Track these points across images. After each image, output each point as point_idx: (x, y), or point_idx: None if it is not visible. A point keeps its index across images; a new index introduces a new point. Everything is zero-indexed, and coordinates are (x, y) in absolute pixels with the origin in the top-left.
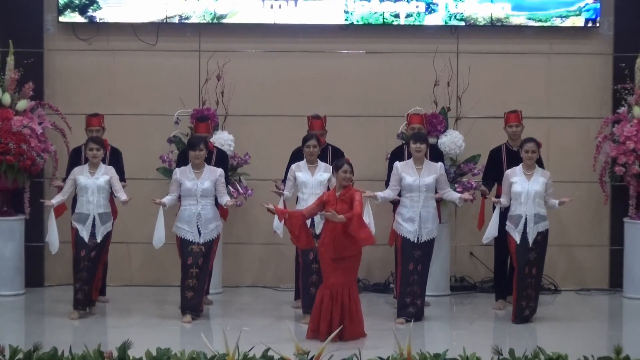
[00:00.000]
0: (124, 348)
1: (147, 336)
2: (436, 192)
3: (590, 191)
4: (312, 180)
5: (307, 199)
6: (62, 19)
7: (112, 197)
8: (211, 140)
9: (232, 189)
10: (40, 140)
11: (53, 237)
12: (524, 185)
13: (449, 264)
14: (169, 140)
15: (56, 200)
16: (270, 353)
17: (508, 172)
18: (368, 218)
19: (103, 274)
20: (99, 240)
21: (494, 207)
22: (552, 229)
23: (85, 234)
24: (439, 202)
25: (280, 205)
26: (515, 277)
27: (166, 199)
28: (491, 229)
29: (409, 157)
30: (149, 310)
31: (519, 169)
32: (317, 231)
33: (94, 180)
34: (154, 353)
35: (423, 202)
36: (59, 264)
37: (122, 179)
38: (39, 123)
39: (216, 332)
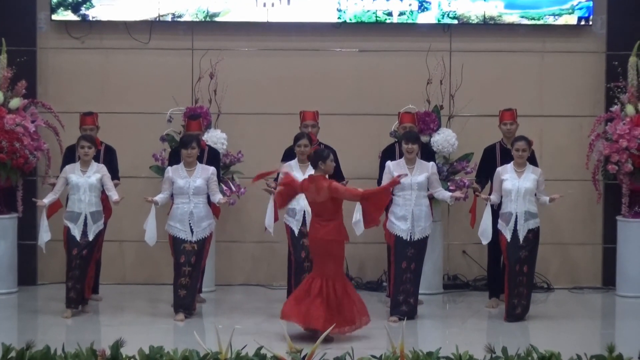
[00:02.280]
0: (116, 346)
1: (140, 334)
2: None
3: (583, 189)
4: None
5: (299, 198)
6: (55, 17)
7: (105, 195)
8: (203, 138)
9: (225, 187)
10: (33, 139)
11: (44, 234)
12: (514, 182)
13: (442, 262)
14: (161, 139)
15: (48, 199)
16: (263, 351)
17: (499, 169)
18: (359, 215)
19: (96, 272)
20: (90, 239)
21: (486, 204)
22: (545, 227)
23: (77, 233)
24: (430, 200)
25: (271, 204)
26: (507, 275)
27: (158, 197)
28: (487, 229)
29: (400, 156)
30: (141, 308)
31: (510, 166)
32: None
33: (85, 179)
34: (147, 351)
35: (415, 200)
36: (52, 262)
37: (116, 177)
38: (32, 121)
39: (209, 331)
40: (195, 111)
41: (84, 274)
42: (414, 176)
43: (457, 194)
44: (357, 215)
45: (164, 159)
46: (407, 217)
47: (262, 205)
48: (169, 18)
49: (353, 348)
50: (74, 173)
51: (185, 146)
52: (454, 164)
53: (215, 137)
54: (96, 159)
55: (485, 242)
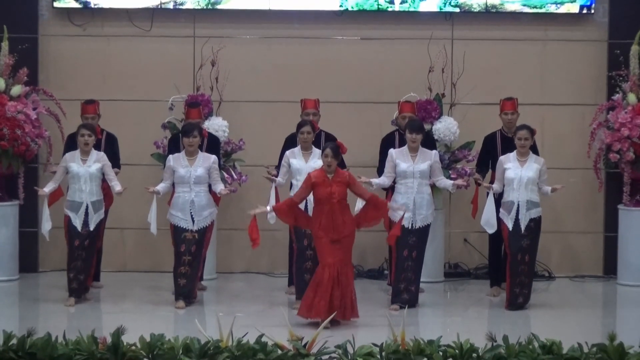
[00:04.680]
0: (117, 334)
1: (141, 322)
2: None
3: (584, 178)
4: (306, 167)
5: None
6: (56, 4)
7: (106, 182)
8: (204, 125)
9: (226, 175)
10: (35, 126)
11: (45, 223)
12: (517, 171)
13: (443, 250)
14: (163, 126)
15: (48, 188)
16: (264, 339)
17: (502, 158)
18: (361, 204)
19: (97, 260)
20: (92, 229)
21: (488, 194)
22: (547, 216)
23: (77, 223)
24: (432, 188)
25: (272, 192)
26: (508, 264)
27: (160, 187)
28: (490, 218)
29: (400, 144)
30: (143, 296)
31: (512, 155)
32: None
33: (86, 169)
34: (148, 339)
35: (417, 188)
36: (54, 250)
37: (117, 165)
38: (34, 108)
39: (210, 318)
40: (196, 99)
41: (87, 264)
42: (416, 164)
43: (459, 181)
44: (360, 204)
45: (165, 147)
46: (408, 205)
47: (264, 193)
48: (170, 5)
49: (354, 336)
50: (74, 162)
51: (187, 134)
52: (456, 152)
53: (216, 125)
54: (97, 147)
55: (490, 231)
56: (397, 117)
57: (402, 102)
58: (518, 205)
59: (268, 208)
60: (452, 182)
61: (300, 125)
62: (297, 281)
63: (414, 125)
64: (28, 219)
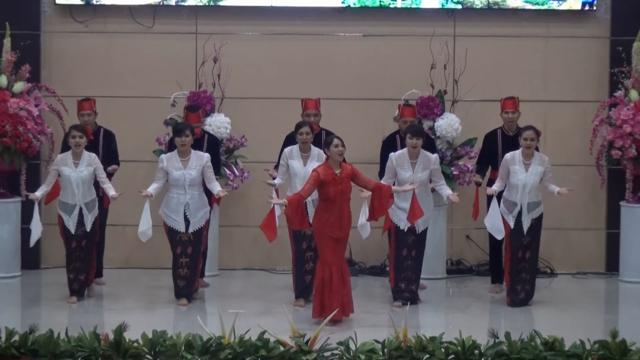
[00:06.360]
0: (120, 330)
1: (143, 319)
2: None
3: (586, 175)
4: (304, 171)
5: (299, 189)
6: (58, 1)
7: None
8: (207, 122)
9: (228, 172)
10: (37, 123)
11: (35, 227)
12: (521, 177)
13: (445, 247)
14: (165, 123)
15: (40, 192)
16: (266, 336)
17: (508, 157)
18: (364, 218)
19: (99, 256)
20: (88, 229)
21: (491, 198)
22: (549, 213)
23: (71, 225)
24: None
25: (273, 195)
26: (508, 260)
27: (152, 189)
28: (498, 225)
29: (401, 146)
30: (145, 292)
31: (518, 156)
32: (311, 220)
33: (77, 173)
34: (150, 335)
35: (417, 195)
36: (56, 247)
37: (116, 161)
38: (36, 105)
39: (212, 315)
40: (198, 96)
41: (86, 264)
42: (416, 173)
43: (454, 198)
44: (363, 218)
45: (167, 144)
46: (407, 210)
47: (265, 189)
48: (172, 2)
49: (356, 333)
50: (66, 166)
51: (179, 134)
52: (458, 149)
53: (218, 122)
54: (95, 144)
55: (499, 237)
56: (398, 119)
57: (402, 106)
58: (521, 207)
59: (284, 201)
60: (448, 193)
61: (298, 126)
62: (297, 282)
63: (414, 130)
64: (30, 215)
